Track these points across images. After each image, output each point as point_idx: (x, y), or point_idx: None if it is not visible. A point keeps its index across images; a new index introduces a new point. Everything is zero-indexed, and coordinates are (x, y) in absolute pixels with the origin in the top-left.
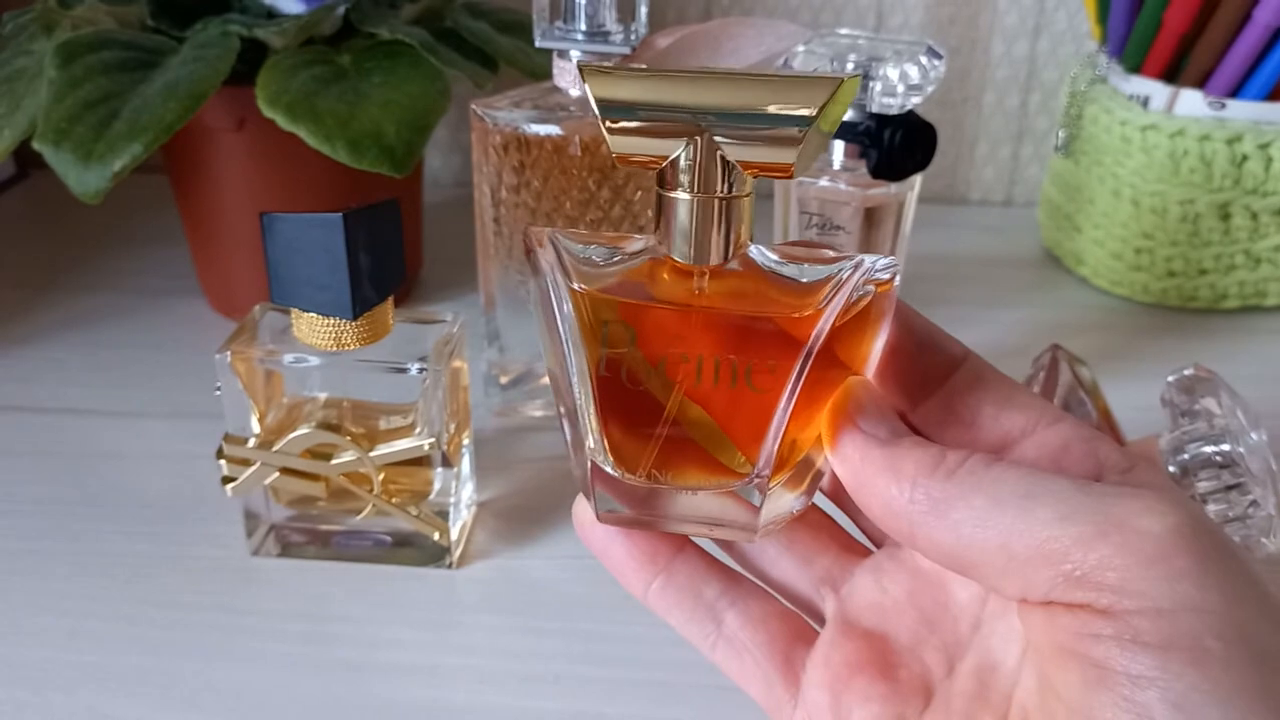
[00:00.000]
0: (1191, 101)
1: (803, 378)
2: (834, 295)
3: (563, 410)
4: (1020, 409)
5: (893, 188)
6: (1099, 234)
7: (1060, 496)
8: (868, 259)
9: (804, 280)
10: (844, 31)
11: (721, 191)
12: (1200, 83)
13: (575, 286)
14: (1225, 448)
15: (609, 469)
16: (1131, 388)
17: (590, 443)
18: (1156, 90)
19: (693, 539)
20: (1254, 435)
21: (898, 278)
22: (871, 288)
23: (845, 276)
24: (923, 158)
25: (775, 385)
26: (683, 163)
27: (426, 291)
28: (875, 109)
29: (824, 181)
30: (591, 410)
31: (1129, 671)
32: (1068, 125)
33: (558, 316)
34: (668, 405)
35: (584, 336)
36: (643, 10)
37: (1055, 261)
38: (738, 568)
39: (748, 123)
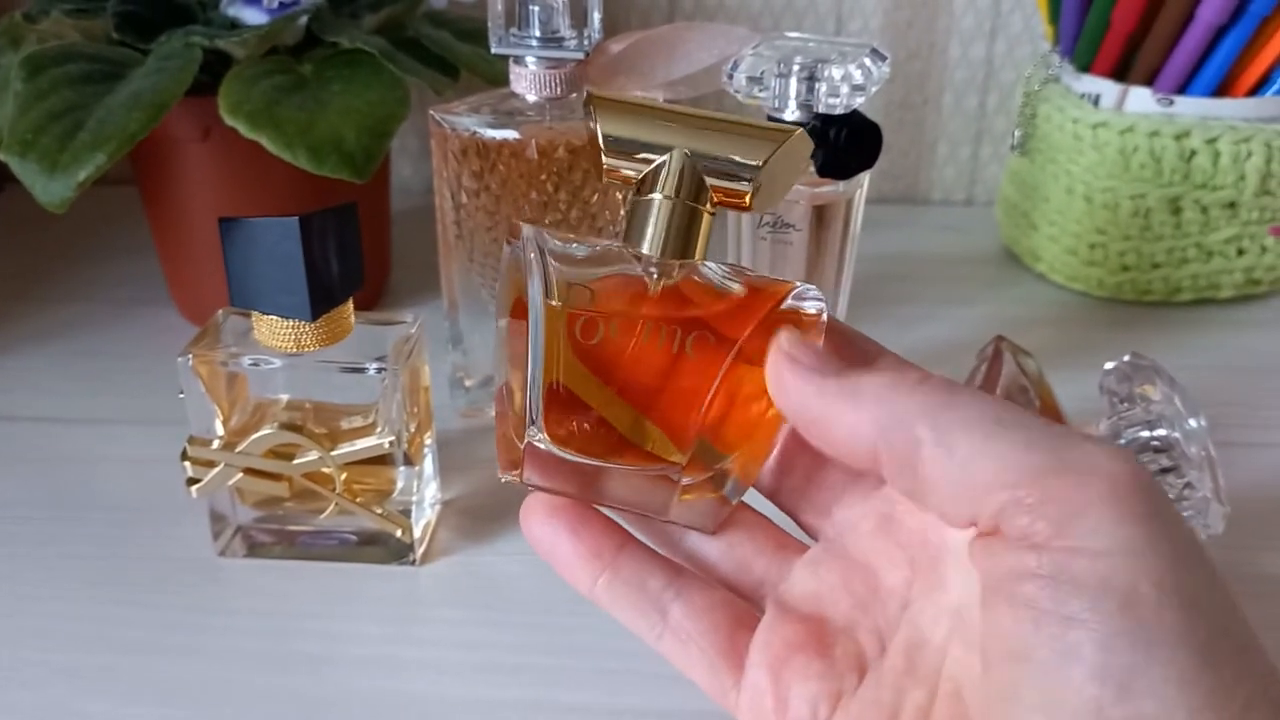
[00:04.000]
0: (1141, 99)
1: (735, 353)
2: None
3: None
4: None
5: (840, 186)
6: (1054, 230)
7: (1028, 426)
8: (802, 288)
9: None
10: (792, 35)
11: (689, 199)
12: (1149, 80)
13: (553, 265)
14: (1161, 432)
15: (542, 443)
16: (1085, 379)
17: (530, 400)
18: (1107, 88)
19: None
20: (1192, 421)
21: (824, 316)
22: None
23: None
24: (868, 156)
25: (711, 359)
26: (661, 173)
27: (396, 297)
28: (821, 109)
29: None
30: (539, 371)
31: (1059, 611)
32: (1023, 125)
33: (529, 283)
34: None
35: (546, 315)
36: (596, 16)
37: (1014, 259)
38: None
39: (719, 164)
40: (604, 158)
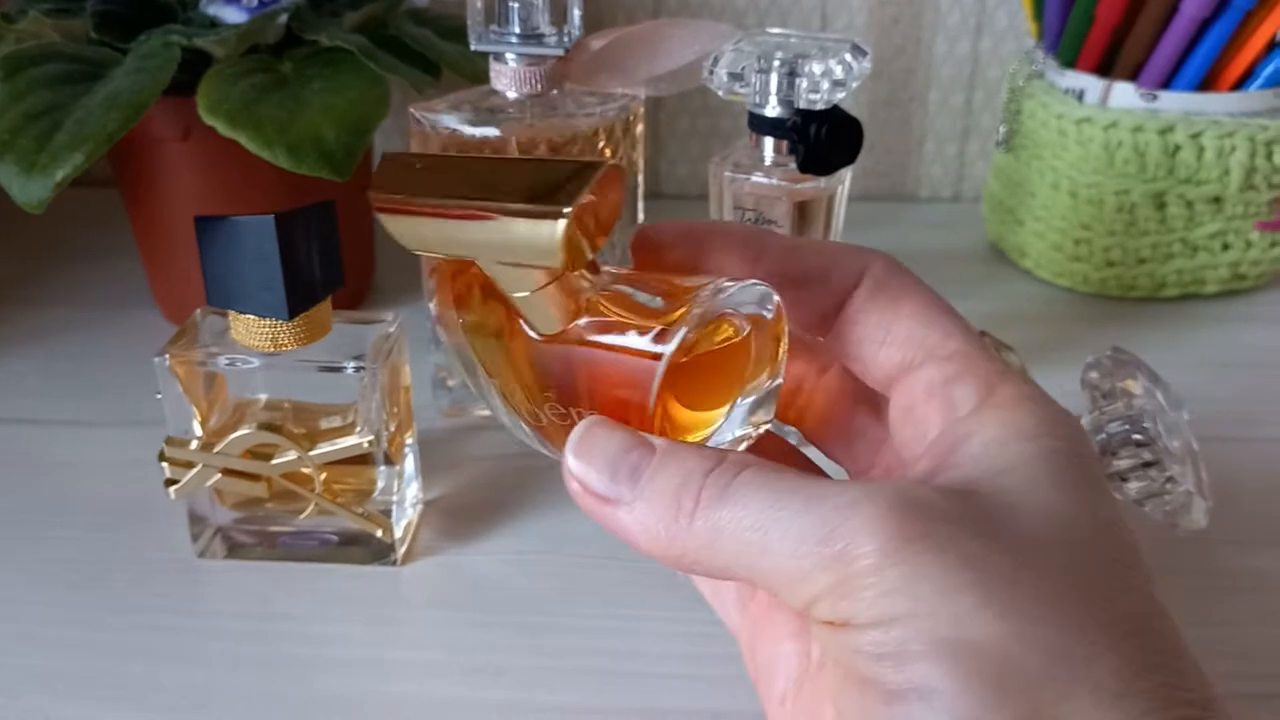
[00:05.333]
0: (1124, 94)
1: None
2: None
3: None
4: (896, 345)
5: (822, 182)
6: (1040, 226)
7: (784, 526)
8: (730, 286)
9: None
10: (774, 30)
11: (534, 285)
12: (1132, 75)
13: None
14: (1144, 425)
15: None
16: (1070, 375)
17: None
18: (1091, 84)
19: None
20: (1175, 415)
21: (767, 313)
22: (745, 324)
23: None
24: (849, 152)
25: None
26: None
27: (381, 297)
28: (802, 105)
29: (756, 177)
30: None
31: (878, 681)
32: (1007, 121)
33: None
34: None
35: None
36: (576, 13)
37: (1000, 255)
38: None
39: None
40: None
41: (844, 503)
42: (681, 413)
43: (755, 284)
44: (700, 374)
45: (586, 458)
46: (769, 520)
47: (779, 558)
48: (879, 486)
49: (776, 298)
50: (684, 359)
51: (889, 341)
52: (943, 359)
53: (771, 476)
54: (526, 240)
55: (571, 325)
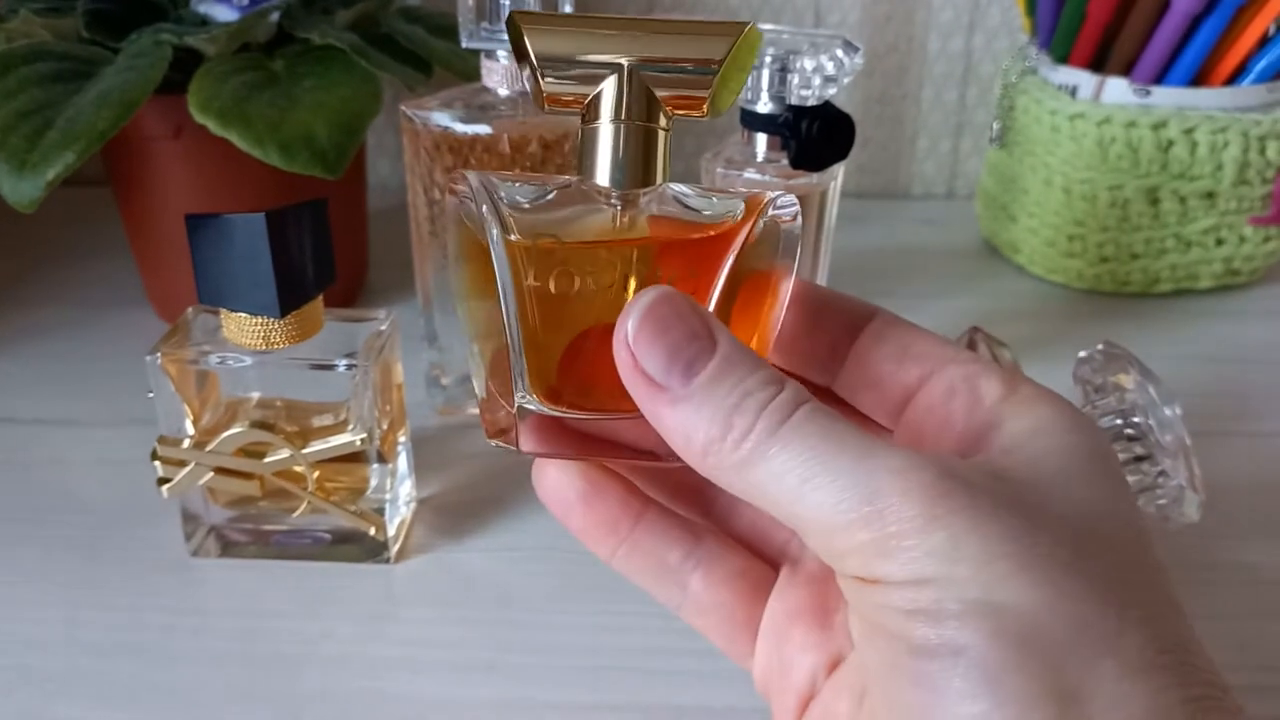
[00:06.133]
0: (1117, 89)
1: (719, 285)
2: (742, 221)
3: (477, 350)
4: (915, 360)
5: (814, 178)
6: (1033, 223)
7: (834, 475)
8: (772, 195)
9: (710, 213)
10: (765, 27)
11: (640, 119)
12: (1125, 71)
13: (504, 213)
14: (1135, 420)
15: (528, 401)
16: (1063, 371)
17: (513, 359)
18: (1084, 79)
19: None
20: (1167, 410)
21: (799, 219)
22: (792, 203)
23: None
24: (840, 148)
25: (696, 293)
26: (606, 95)
27: (374, 295)
28: (793, 101)
29: (749, 173)
30: (517, 330)
31: (909, 641)
32: (1001, 117)
33: (490, 242)
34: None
35: (510, 259)
36: (566, 9)
37: (993, 251)
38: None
39: (667, 69)
40: (542, 83)
41: (894, 466)
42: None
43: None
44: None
45: (648, 333)
46: (817, 468)
47: (818, 508)
48: (928, 456)
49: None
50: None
51: (907, 359)
52: (962, 362)
53: (826, 424)
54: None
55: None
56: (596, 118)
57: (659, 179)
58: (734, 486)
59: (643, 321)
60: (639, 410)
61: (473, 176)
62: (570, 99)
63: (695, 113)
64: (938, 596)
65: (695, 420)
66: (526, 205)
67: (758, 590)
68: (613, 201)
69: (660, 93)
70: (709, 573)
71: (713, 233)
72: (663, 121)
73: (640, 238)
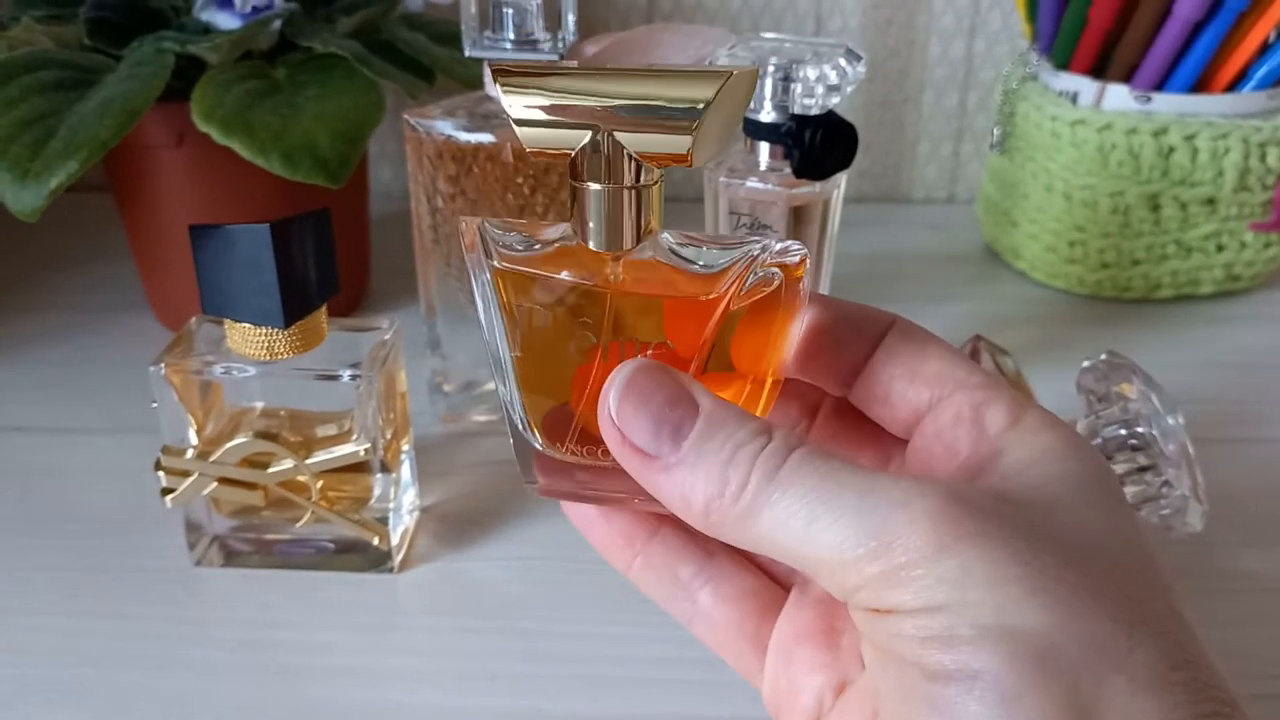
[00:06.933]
0: (1118, 96)
1: (707, 358)
2: (736, 278)
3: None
4: (925, 383)
5: (817, 187)
6: (1034, 228)
7: (837, 514)
8: (773, 243)
9: (702, 265)
10: (768, 35)
11: (629, 181)
12: (1126, 77)
13: (496, 264)
14: (1139, 430)
15: (536, 444)
16: (1065, 377)
17: (517, 419)
18: (1085, 86)
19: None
20: (1169, 419)
21: (808, 262)
22: (776, 271)
23: (749, 260)
24: (843, 156)
25: (676, 363)
26: (588, 156)
27: (376, 302)
28: (796, 110)
29: (752, 182)
30: (514, 384)
31: (925, 668)
32: (1002, 123)
33: (478, 296)
34: (587, 385)
35: (504, 312)
36: (570, 18)
37: (995, 256)
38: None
39: (644, 115)
40: (520, 138)
41: (897, 497)
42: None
43: (784, 240)
44: (744, 326)
45: (630, 406)
46: (820, 509)
47: (824, 547)
48: (931, 483)
49: (800, 246)
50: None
51: (918, 380)
52: (972, 388)
53: (822, 465)
54: (680, 94)
55: (633, 250)
56: (582, 179)
57: (653, 230)
58: (742, 540)
59: (623, 396)
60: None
61: (475, 231)
62: (554, 153)
63: (681, 164)
64: (950, 622)
65: (691, 481)
66: (519, 250)
67: (767, 610)
68: (605, 262)
69: (641, 150)
70: (719, 589)
71: (703, 297)
72: (649, 177)
73: (629, 292)
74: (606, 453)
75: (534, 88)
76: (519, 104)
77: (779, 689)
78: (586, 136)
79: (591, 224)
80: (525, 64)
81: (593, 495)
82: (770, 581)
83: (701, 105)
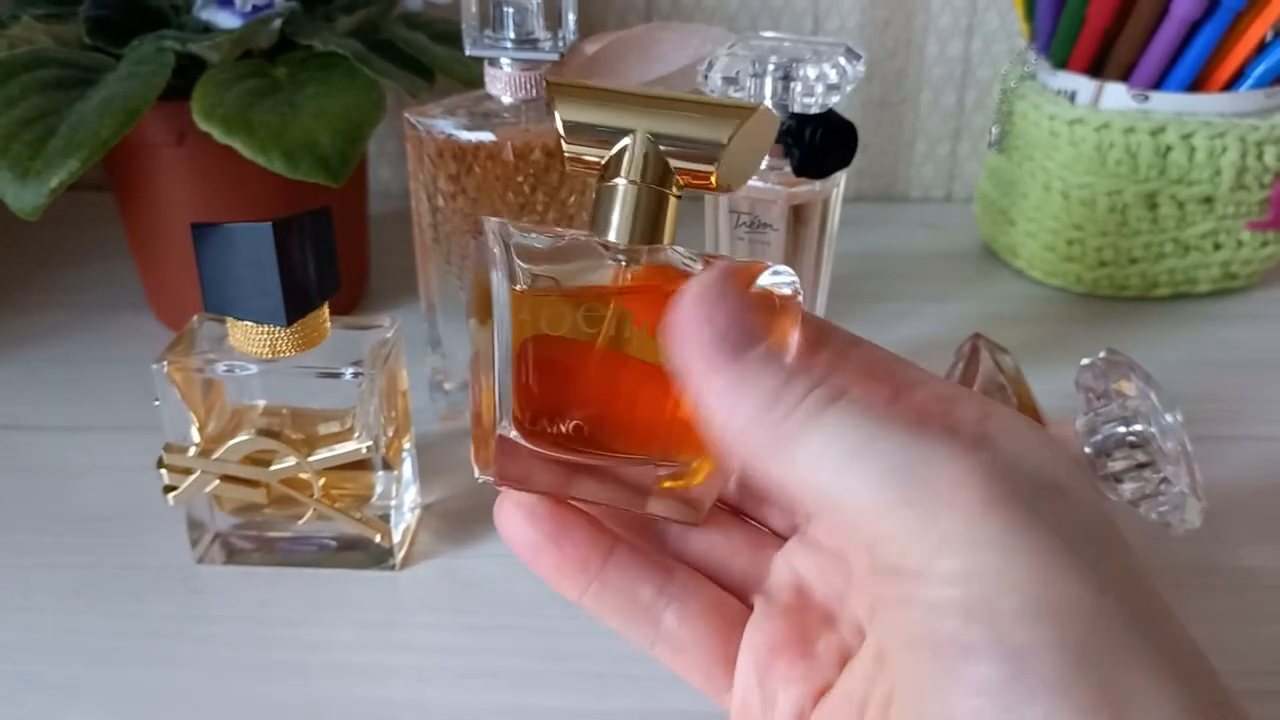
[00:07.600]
0: (1116, 95)
1: None
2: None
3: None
4: (883, 382)
5: (817, 185)
6: (1032, 227)
7: (883, 453)
8: (775, 268)
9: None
10: (767, 34)
11: (654, 183)
12: (1124, 76)
13: (518, 263)
14: (1138, 428)
15: (513, 435)
16: (1064, 376)
17: (499, 393)
18: (1082, 85)
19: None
20: (1168, 417)
21: (800, 296)
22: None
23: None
24: (843, 155)
25: None
26: (623, 156)
27: (376, 301)
28: (796, 109)
29: (751, 181)
30: (506, 363)
31: (935, 636)
32: (999, 121)
33: (493, 278)
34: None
35: (511, 302)
36: (570, 17)
37: (993, 255)
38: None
39: (678, 143)
40: (564, 145)
41: (947, 452)
42: None
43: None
44: None
45: (717, 293)
46: (864, 448)
47: (860, 486)
48: (989, 447)
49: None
50: None
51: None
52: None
53: (872, 408)
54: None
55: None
56: (612, 176)
57: (665, 240)
58: (770, 464)
59: (716, 282)
60: (614, 456)
61: (492, 222)
62: (591, 160)
63: (706, 186)
64: (994, 591)
65: (741, 393)
66: (540, 250)
67: (732, 624)
68: (618, 256)
69: (674, 164)
70: (683, 607)
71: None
72: (674, 189)
73: (634, 284)
74: (587, 443)
75: (587, 99)
76: (570, 114)
77: (750, 705)
78: (624, 140)
79: (612, 219)
80: (573, 83)
81: (558, 488)
82: (731, 596)
83: (724, 142)
